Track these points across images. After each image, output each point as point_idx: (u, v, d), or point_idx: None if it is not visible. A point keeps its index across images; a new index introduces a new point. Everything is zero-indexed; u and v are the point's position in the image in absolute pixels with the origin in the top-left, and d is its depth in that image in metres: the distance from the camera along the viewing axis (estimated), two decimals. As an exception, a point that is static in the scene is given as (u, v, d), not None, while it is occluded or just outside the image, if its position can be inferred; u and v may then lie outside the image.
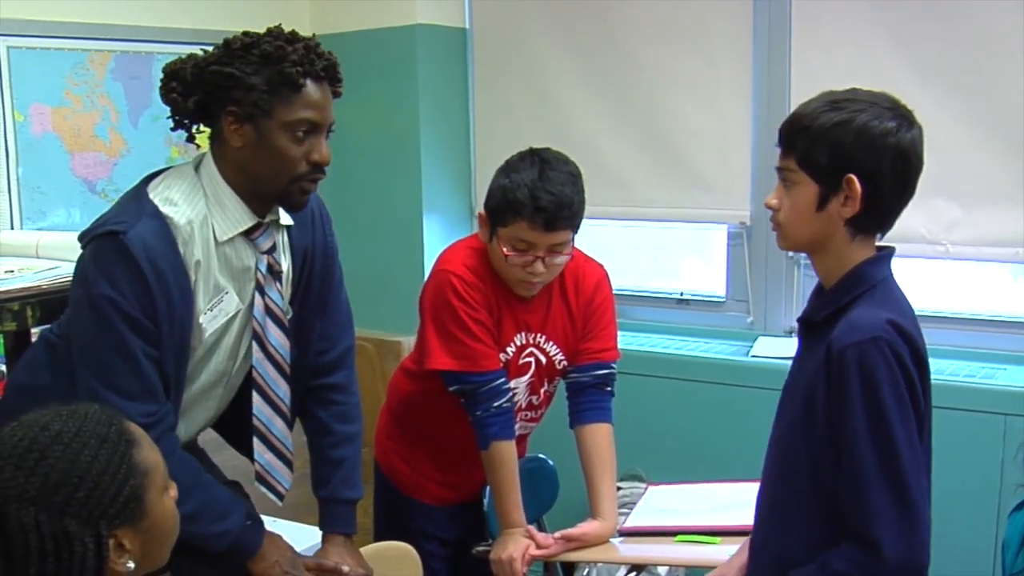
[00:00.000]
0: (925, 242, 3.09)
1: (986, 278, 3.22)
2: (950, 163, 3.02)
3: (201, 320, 1.93)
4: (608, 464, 2.41)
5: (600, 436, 2.42)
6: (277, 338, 2.03)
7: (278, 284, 2.02)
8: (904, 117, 1.67)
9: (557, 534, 2.31)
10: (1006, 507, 2.81)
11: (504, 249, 2.29)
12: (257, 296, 1.99)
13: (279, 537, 2.05)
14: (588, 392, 2.45)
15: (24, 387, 2.03)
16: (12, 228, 3.12)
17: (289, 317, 2.08)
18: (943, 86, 3.04)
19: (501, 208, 2.27)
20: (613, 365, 2.49)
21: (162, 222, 1.85)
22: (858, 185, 1.63)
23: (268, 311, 2.01)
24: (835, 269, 1.71)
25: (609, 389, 2.47)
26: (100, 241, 1.83)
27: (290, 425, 2.10)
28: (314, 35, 1.93)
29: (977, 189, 3.05)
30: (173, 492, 1.50)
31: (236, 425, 2.16)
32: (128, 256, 1.80)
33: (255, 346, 2.01)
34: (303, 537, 2.35)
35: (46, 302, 2.11)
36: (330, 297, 2.18)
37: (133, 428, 1.45)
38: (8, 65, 3.10)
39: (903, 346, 1.60)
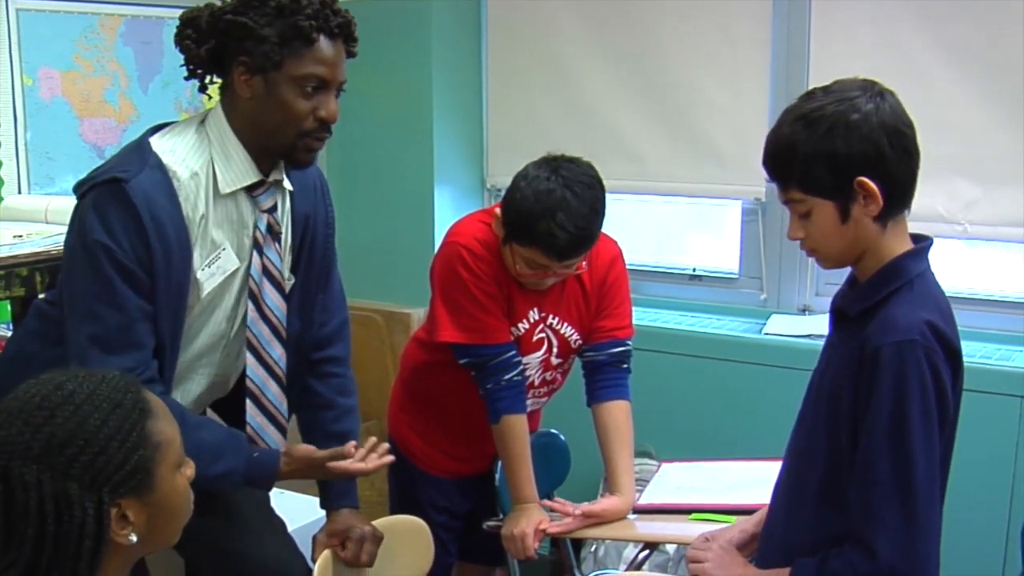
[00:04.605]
0: (943, 221, 3.05)
1: (1003, 258, 3.18)
2: (970, 142, 2.98)
3: (199, 276, 1.90)
4: (626, 440, 2.40)
5: (618, 412, 2.41)
6: (274, 300, 2.01)
7: (277, 245, 2.00)
8: (875, 92, 1.61)
9: (577, 510, 2.30)
10: (1020, 490, 2.81)
11: (517, 264, 2.27)
12: (255, 255, 1.97)
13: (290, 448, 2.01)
14: (605, 370, 2.44)
15: (14, 357, 2.02)
16: (20, 193, 3.10)
17: (291, 284, 2.06)
18: (963, 64, 2.99)
19: (517, 230, 2.23)
20: (628, 342, 2.48)
21: (164, 174, 1.84)
22: (872, 184, 1.58)
23: (266, 271, 1.99)
24: (874, 264, 1.66)
25: (625, 366, 2.46)
26: (101, 189, 1.81)
27: (285, 390, 2.08)
28: None
29: (997, 168, 3.01)
30: (189, 471, 1.47)
31: (234, 404, 2.14)
32: (128, 204, 1.78)
33: (250, 306, 1.99)
34: (308, 509, 2.35)
35: (55, 268, 2.09)
36: (332, 270, 2.18)
37: (152, 398, 1.42)
38: (17, 28, 3.06)
39: (939, 350, 1.57)
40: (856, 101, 1.59)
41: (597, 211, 2.24)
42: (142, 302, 1.82)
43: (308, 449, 1.98)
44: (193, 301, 1.92)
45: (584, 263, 2.34)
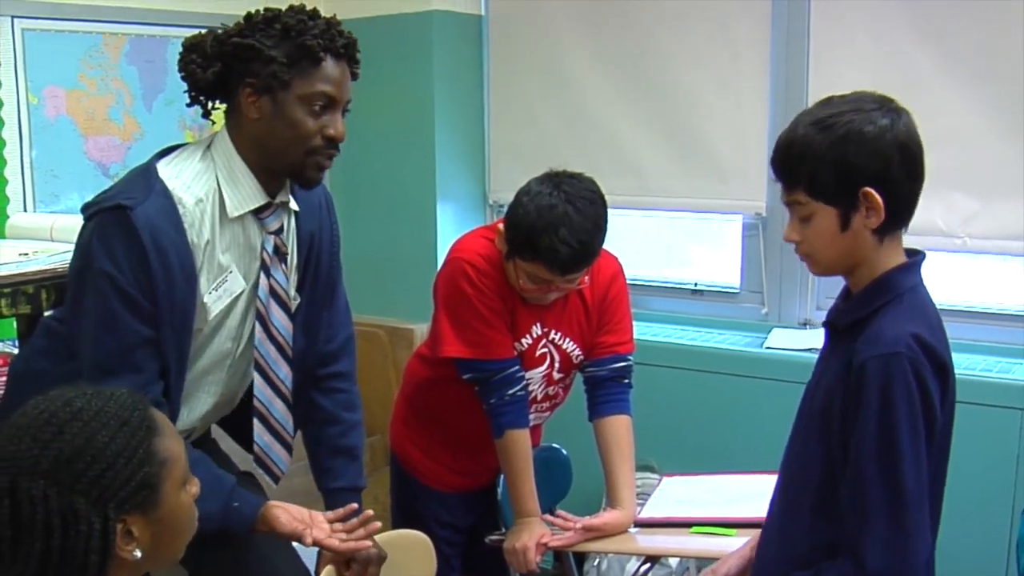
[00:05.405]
0: (942, 235, 3.06)
1: (1003, 271, 3.19)
2: (969, 155, 2.98)
3: (206, 299, 1.91)
4: (627, 454, 2.41)
5: (619, 427, 2.42)
6: (280, 320, 2.03)
7: (283, 266, 2.01)
8: (892, 109, 1.63)
9: (578, 524, 2.31)
10: (1021, 502, 2.81)
11: (520, 279, 2.29)
12: (262, 276, 1.98)
13: (285, 506, 1.98)
14: (606, 385, 2.45)
15: (23, 374, 2.02)
16: (26, 211, 3.12)
17: (297, 304, 2.08)
18: (962, 76, 3.00)
19: (520, 245, 2.24)
20: (629, 358, 2.49)
21: (170, 201, 1.84)
22: (877, 196, 1.60)
23: (272, 292, 2.00)
24: (867, 277, 1.67)
25: (627, 381, 2.47)
26: (106, 215, 1.82)
27: (291, 408, 2.09)
28: (334, 15, 1.94)
29: (996, 181, 3.01)
30: (194, 489, 1.48)
31: (241, 421, 2.16)
32: (132, 231, 1.79)
33: (258, 327, 2.01)
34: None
35: (61, 285, 2.10)
36: (337, 286, 2.19)
37: (158, 416, 1.44)
38: (23, 47, 3.09)
39: (925, 363, 1.57)
40: (872, 114, 1.60)
41: (599, 226, 2.25)
42: (142, 328, 1.83)
43: (291, 530, 1.93)
44: (200, 324, 1.93)
45: (586, 278, 2.36)
